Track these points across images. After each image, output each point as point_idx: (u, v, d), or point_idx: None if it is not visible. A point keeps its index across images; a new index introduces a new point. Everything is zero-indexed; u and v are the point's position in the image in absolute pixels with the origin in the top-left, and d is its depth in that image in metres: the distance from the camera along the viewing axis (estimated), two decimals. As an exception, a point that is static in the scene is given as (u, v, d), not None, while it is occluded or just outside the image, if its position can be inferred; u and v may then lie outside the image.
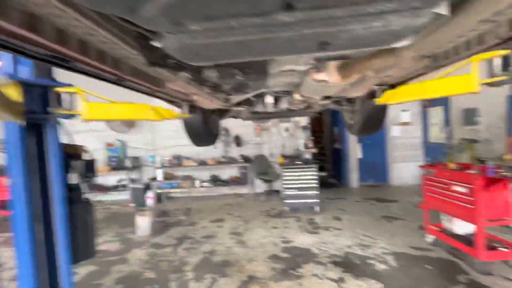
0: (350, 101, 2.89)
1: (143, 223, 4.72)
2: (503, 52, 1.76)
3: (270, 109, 2.75)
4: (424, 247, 3.70)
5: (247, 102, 2.73)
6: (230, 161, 7.44)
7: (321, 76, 1.40)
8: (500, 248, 3.00)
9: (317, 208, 5.56)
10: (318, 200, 5.46)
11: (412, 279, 2.92)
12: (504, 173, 2.72)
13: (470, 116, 5.61)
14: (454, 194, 3.29)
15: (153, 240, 4.52)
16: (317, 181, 5.46)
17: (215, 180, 7.54)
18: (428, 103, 7.31)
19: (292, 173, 5.54)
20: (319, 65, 1.34)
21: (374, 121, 2.59)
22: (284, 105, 2.94)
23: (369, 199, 6.44)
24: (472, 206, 3.01)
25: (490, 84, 1.88)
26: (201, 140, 2.88)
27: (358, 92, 2.29)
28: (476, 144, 5.61)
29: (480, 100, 5.45)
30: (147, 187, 6.81)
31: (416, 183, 7.57)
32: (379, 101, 2.12)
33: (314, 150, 6.48)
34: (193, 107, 2.46)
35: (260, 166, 7.33)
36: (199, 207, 6.63)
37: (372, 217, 5.14)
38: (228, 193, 7.69)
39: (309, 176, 5.46)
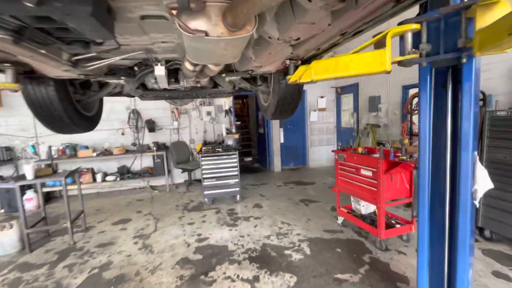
0: (264, 79, 2.54)
1: (5, 237, 3.48)
2: (416, 26, 1.60)
3: (165, 84, 2.13)
4: (336, 229, 3.82)
5: (128, 73, 2.03)
6: (143, 149, 6.41)
7: (197, 23, 0.88)
8: (396, 225, 3.27)
9: (238, 197, 5.28)
10: (238, 189, 5.17)
11: (324, 265, 2.89)
12: (403, 157, 2.86)
13: (374, 103, 6.17)
14: (360, 177, 3.41)
15: (22, 259, 3.38)
16: (237, 169, 5.13)
17: (123, 173, 6.41)
18: (341, 91, 7.84)
19: (211, 162, 5.04)
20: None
21: (288, 103, 2.30)
22: (184, 80, 2.38)
23: (289, 182, 6.57)
24: (375, 189, 3.15)
25: (401, 63, 1.75)
26: (62, 124, 2.03)
27: (270, 67, 1.90)
28: (378, 129, 6.26)
29: (382, 88, 6.02)
30: (24, 187, 5.25)
31: (330, 165, 8.20)
32: (292, 78, 1.79)
33: (236, 136, 6.12)
34: (31, 75, 1.62)
35: (179, 154, 6.57)
36: (101, 206, 5.50)
37: (290, 201, 5.18)
38: (141, 186, 6.69)
39: (230, 164, 5.08)
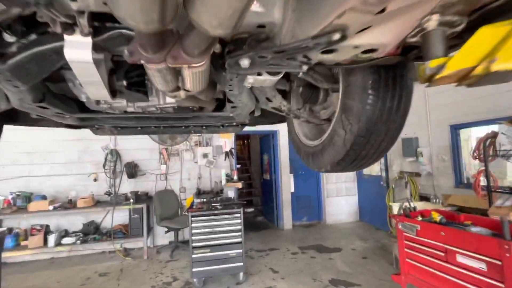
0: (318, 89, 1.33)
1: None
2: None
3: (108, 97, 0.89)
4: None
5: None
6: (117, 200, 4.95)
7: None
8: None
9: (241, 276, 3.70)
10: (242, 263, 3.63)
11: None
12: None
13: (410, 146, 5.00)
14: (456, 268, 2.00)
15: None
16: (241, 234, 3.66)
17: (88, 232, 4.84)
18: (361, 131, 6.74)
19: (205, 223, 3.60)
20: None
21: (383, 134, 1.04)
22: (158, 95, 1.18)
23: (307, 248, 5.00)
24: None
25: None
26: None
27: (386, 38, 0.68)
28: (418, 178, 4.98)
29: (419, 128, 4.91)
30: None
31: (351, 220, 6.70)
32: (450, 67, 0.53)
33: (239, 185, 4.78)
34: None
35: (165, 207, 5.10)
36: (44, 283, 3.84)
37: (317, 282, 3.61)
38: (112, 249, 5.05)
39: (232, 226, 3.64)
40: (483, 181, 3.27)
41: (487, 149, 3.17)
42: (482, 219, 2.29)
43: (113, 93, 0.98)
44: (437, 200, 4.40)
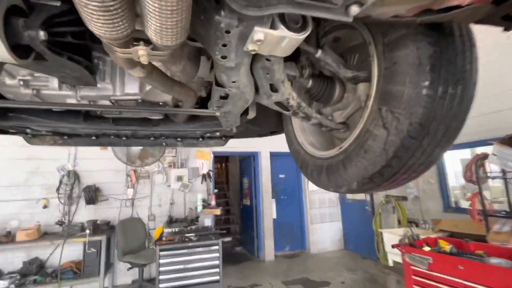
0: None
1: None
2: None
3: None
4: None
5: None
6: (70, 231, 4.16)
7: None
8: None
9: (219, 323, 3.09)
10: (221, 308, 3.03)
11: None
12: None
13: (395, 169, 4.87)
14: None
15: None
16: (220, 271, 3.11)
17: (28, 273, 3.94)
18: (343, 155, 6.62)
19: (177, 259, 3.01)
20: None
21: (450, 129, 0.73)
22: (113, 79, 0.73)
23: (292, 282, 4.48)
24: None
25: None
26: None
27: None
28: (404, 202, 4.81)
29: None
30: None
31: (335, 248, 6.31)
32: None
33: (218, 212, 4.25)
34: None
35: (129, 239, 4.36)
36: None
37: (308, 328, 3.08)
38: (58, 294, 4.12)
39: (209, 261, 3.08)
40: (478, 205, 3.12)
41: (479, 170, 3.06)
42: (495, 248, 2.04)
43: (16, 50, 0.57)
44: (427, 225, 4.20)
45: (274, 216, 6.10)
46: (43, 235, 4.16)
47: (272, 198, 6.13)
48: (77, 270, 4.07)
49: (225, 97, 0.85)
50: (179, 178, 5.25)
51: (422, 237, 2.98)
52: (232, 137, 1.77)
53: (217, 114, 1.03)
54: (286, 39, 0.57)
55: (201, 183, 5.42)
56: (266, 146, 6.01)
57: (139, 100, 0.98)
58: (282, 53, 0.63)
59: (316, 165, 1.08)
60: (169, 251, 3.00)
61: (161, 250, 2.98)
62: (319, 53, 0.84)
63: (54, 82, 0.83)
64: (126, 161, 4.81)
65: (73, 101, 0.94)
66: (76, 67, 0.72)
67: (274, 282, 4.52)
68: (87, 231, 4.03)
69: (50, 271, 4.09)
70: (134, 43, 0.54)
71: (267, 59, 0.70)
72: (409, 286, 2.12)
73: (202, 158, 5.47)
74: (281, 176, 6.43)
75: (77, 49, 0.75)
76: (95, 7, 0.39)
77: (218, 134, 1.65)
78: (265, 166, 6.14)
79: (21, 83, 0.80)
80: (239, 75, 0.71)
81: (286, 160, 6.55)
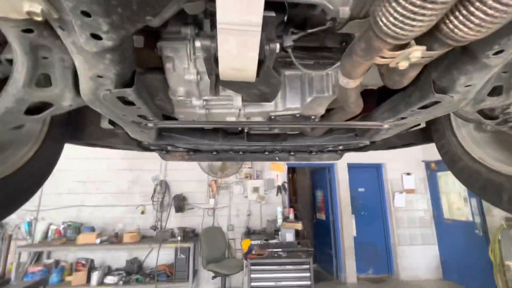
0: None
1: None
2: None
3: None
4: None
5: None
6: (163, 236, 4.55)
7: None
8: None
9: None
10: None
11: None
12: None
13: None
14: None
15: None
16: (313, 293, 2.89)
17: (131, 271, 4.43)
18: (436, 166, 5.71)
19: (266, 275, 2.93)
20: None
21: None
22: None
23: (386, 314, 3.91)
24: None
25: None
26: None
27: None
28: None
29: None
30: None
31: (430, 277, 5.37)
32: None
33: (299, 226, 4.07)
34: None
35: (212, 248, 4.54)
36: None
37: None
38: (153, 294, 4.51)
39: (299, 282, 2.91)
40: None
41: None
42: None
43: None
44: None
45: (355, 233, 5.58)
46: (142, 238, 4.66)
47: (352, 214, 5.63)
48: (169, 273, 4.39)
49: (428, 106, 0.68)
50: (255, 190, 5.28)
51: None
52: (353, 150, 1.60)
53: (385, 126, 0.88)
54: None
55: (276, 195, 5.35)
56: (344, 158, 5.60)
57: (297, 115, 0.91)
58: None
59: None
60: (260, 266, 2.95)
61: (252, 264, 2.94)
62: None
63: (238, 100, 0.82)
64: (208, 171, 5.09)
65: (232, 118, 0.93)
66: (278, 82, 0.68)
67: (364, 310, 4.04)
68: (179, 238, 4.33)
69: (148, 272, 4.53)
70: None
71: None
72: None
73: (276, 170, 5.41)
74: (361, 190, 5.89)
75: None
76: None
77: (340, 147, 1.50)
78: (342, 178, 5.72)
79: (205, 103, 0.81)
80: (484, 77, 0.54)
81: (366, 172, 6.00)
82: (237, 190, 5.29)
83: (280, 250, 3.20)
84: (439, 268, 5.46)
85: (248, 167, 5.44)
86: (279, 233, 4.23)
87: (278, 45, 0.52)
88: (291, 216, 4.75)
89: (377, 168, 5.97)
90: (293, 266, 2.97)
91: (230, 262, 4.46)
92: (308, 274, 2.94)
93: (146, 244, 4.47)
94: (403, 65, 0.45)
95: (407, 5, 0.32)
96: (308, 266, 2.96)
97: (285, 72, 0.79)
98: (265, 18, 0.43)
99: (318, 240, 6.69)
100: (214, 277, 4.41)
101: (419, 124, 0.93)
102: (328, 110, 1.05)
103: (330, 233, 5.78)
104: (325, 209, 6.15)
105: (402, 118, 0.78)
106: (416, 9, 0.32)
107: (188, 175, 5.24)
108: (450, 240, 5.30)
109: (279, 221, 4.46)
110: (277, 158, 1.68)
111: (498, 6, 0.31)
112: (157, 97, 0.77)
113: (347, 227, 5.51)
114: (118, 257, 4.80)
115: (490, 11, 0.32)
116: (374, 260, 5.62)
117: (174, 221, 4.98)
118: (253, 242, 3.74)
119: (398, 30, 0.35)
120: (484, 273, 4.38)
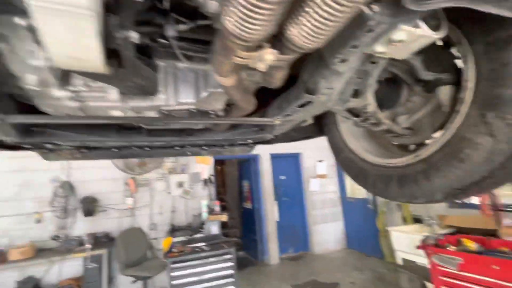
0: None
1: None
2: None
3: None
4: None
5: None
6: (69, 246, 3.91)
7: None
8: None
9: (236, 335, 2.98)
10: (238, 319, 2.93)
11: None
12: None
13: (397, 167, 4.92)
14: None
15: None
16: (234, 281, 3.00)
17: (24, 294, 3.67)
18: (342, 154, 6.64)
19: (189, 271, 2.88)
20: None
21: None
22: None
23: (302, 286, 4.42)
24: None
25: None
26: None
27: None
28: (408, 200, 4.85)
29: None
30: None
31: (338, 248, 6.31)
32: None
33: (224, 218, 4.13)
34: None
35: (131, 250, 4.16)
36: None
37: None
38: (56, 314, 3.87)
39: (222, 272, 2.97)
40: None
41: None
42: (520, 245, 2.05)
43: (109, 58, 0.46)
44: (433, 222, 4.25)
45: (277, 218, 6.03)
46: (38, 252, 3.89)
47: (274, 200, 6.05)
48: (77, 287, 3.83)
49: (304, 105, 0.76)
50: (180, 185, 5.07)
51: (427, 234, 2.99)
52: (262, 143, 1.68)
53: (277, 122, 0.94)
54: (421, 39, 0.49)
55: (203, 188, 5.28)
56: (267, 148, 5.92)
57: (193, 110, 0.87)
58: (402, 54, 0.55)
59: (382, 174, 1.01)
60: (182, 263, 2.86)
61: (173, 263, 2.83)
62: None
63: (113, 93, 0.71)
64: (124, 168, 4.60)
65: (118, 113, 0.82)
66: (152, 75, 0.61)
67: (284, 286, 4.45)
68: (87, 245, 3.80)
69: (47, 290, 3.84)
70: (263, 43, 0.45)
71: (372, 62, 0.61)
72: (438, 287, 2.10)
73: (202, 163, 5.32)
74: (282, 177, 6.37)
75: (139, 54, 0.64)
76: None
77: (250, 141, 1.55)
78: (266, 168, 6.07)
79: (73, 95, 0.67)
80: (339, 81, 0.62)
81: (287, 161, 6.50)
82: (159, 186, 4.97)
83: (203, 244, 3.18)
84: (344, 240, 6.47)
85: (172, 161, 5.16)
86: (204, 226, 4.20)
87: (134, 34, 0.47)
88: (217, 208, 4.77)
89: (295, 157, 6.54)
90: (216, 258, 3.00)
91: (152, 263, 4.19)
92: (231, 264, 3.03)
93: (43, 259, 3.76)
94: (260, 66, 0.47)
95: (240, 8, 0.32)
96: (231, 255, 3.04)
97: (161, 63, 0.73)
98: (116, 1, 0.37)
99: (246, 228, 6.98)
100: (134, 282, 4.07)
101: (306, 120, 1.04)
102: (231, 105, 1.06)
103: (255, 220, 6.09)
104: (251, 198, 6.43)
105: (288, 115, 0.85)
106: (249, 13, 0.33)
107: (99, 174, 4.62)
108: (352, 215, 6.33)
109: (204, 214, 4.42)
110: (188, 153, 1.62)
111: (322, 20, 0.35)
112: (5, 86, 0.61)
113: (271, 213, 5.91)
114: (5, 279, 3.90)
115: (317, 24, 0.36)
116: (294, 240, 6.23)
117: (83, 227, 4.34)
118: (177, 239, 3.61)
119: (239, 32, 0.36)
120: (375, 239, 5.41)
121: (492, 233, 3.12)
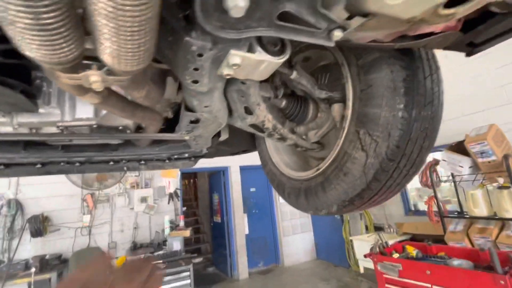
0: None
1: None
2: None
3: None
4: None
5: None
6: (12, 271, 3.56)
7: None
8: None
9: None
10: None
11: None
12: None
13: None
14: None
15: None
16: (193, 299, 2.88)
17: (-46, 328, 3.26)
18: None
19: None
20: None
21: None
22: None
23: (268, 300, 4.35)
24: None
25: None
26: None
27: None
28: (371, 208, 5.03)
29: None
30: None
31: (308, 259, 6.34)
32: None
33: (187, 233, 4.01)
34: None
35: (85, 273, 3.87)
36: None
37: None
38: None
39: (178, 291, 2.85)
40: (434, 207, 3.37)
41: (434, 174, 3.34)
42: (454, 249, 2.20)
43: None
44: (392, 229, 4.43)
45: (247, 231, 5.96)
46: (-25, 279, 3.50)
47: (244, 213, 6.00)
48: (20, 317, 3.47)
49: (195, 121, 0.77)
50: (144, 199, 4.88)
51: (389, 242, 3.11)
52: (202, 156, 1.67)
53: (186, 138, 0.95)
54: (264, 63, 0.53)
55: (168, 203, 5.11)
56: (236, 160, 5.92)
57: (94, 126, 0.86)
58: (259, 77, 0.59)
59: (294, 187, 1.05)
60: None
61: None
62: (294, 74, 0.82)
63: None
64: (82, 184, 4.35)
65: (9, 129, 0.79)
66: (9, 93, 0.59)
67: (250, 302, 4.35)
68: (33, 269, 3.49)
69: (-17, 323, 3.43)
70: (84, 62, 0.44)
71: (243, 82, 0.65)
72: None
73: (168, 176, 5.17)
74: (252, 190, 6.36)
75: (10, 69, 0.62)
76: (26, 26, 0.30)
77: (186, 155, 1.54)
78: (235, 181, 6.03)
79: None
80: (212, 99, 0.65)
81: (256, 173, 6.51)
82: (121, 202, 4.74)
83: (160, 261, 3.05)
84: (314, 250, 6.52)
85: (135, 175, 4.98)
86: (166, 243, 4.04)
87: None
88: (182, 223, 4.63)
89: (266, 169, 6.57)
90: (172, 276, 2.87)
91: (109, 285, 3.92)
92: (188, 281, 2.91)
93: (-20, 286, 3.38)
94: (94, 86, 0.48)
95: (20, 30, 0.32)
96: (188, 273, 2.93)
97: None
98: None
99: (216, 242, 6.81)
100: (87, 307, 3.77)
101: (221, 135, 1.06)
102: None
103: (225, 234, 5.97)
104: (220, 211, 6.32)
105: (189, 131, 0.87)
106: (27, 36, 0.32)
107: (53, 190, 4.32)
108: (321, 225, 6.41)
109: (167, 230, 4.26)
110: (125, 168, 1.57)
111: (122, 42, 0.36)
112: None
113: (240, 226, 5.83)
114: None
115: (115, 47, 0.36)
116: (264, 253, 6.16)
117: (31, 249, 3.99)
118: (135, 258, 3.43)
119: (36, 55, 0.36)
120: (342, 249, 5.51)
121: (441, 239, 3.32)
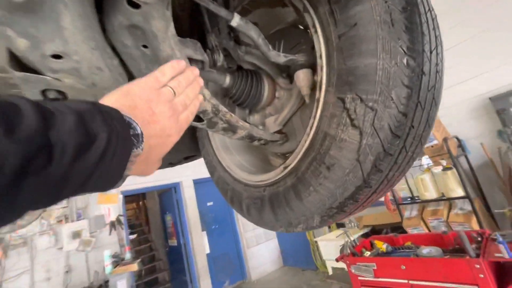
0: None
1: None
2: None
3: None
4: None
5: None
6: None
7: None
8: None
9: None
10: None
11: None
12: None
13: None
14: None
15: None
16: None
17: None
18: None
19: None
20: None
21: None
22: None
23: (238, 325, 3.92)
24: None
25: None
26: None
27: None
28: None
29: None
30: None
31: (275, 267, 6.10)
32: None
33: (134, 267, 3.36)
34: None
35: None
36: None
37: None
38: None
39: None
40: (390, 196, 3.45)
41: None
42: (419, 236, 2.17)
43: None
44: (353, 224, 4.46)
45: (208, 250, 5.44)
46: None
47: (203, 230, 5.48)
48: None
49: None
50: (76, 235, 4.03)
51: (353, 237, 3.02)
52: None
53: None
54: None
55: (110, 233, 4.33)
56: (188, 174, 5.41)
57: None
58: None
59: (254, 197, 0.74)
60: None
61: None
62: (236, 20, 0.53)
63: None
64: (-19, 229, 3.35)
65: None
66: None
67: (218, 331, 3.86)
68: None
69: None
70: None
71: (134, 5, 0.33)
72: (360, 297, 2.00)
73: (107, 202, 4.40)
74: (209, 204, 5.88)
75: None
76: None
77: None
78: (189, 197, 5.49)
79: None
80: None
81: (212, 186, 6.06)
82: (44, 243, 3.81)
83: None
84: (280, 257, 6.30)
85: (62, 207, 4.09)
86: (108, 283, 3.33)
87: None
88: (128, 255, 3.91)
89: (222, 180, 6.18)
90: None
91: None
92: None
93: None
94: None
95: None
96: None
97: None
98: None
99: (174, 269, 6.08)
100: None
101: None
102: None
103: (183, 257, 5.34)
104: (176, 233, 5.67)
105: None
106: None
107: None
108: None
109: (108, 269, 3.53)
110: None
111: None
112: None
113: (199, 246, 5.29)
114: None
115: None
116: (229, 270, 5.70)
117: None
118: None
119: None
120: (307, 251, 5.39)
121: (400, 226, 3.39)
